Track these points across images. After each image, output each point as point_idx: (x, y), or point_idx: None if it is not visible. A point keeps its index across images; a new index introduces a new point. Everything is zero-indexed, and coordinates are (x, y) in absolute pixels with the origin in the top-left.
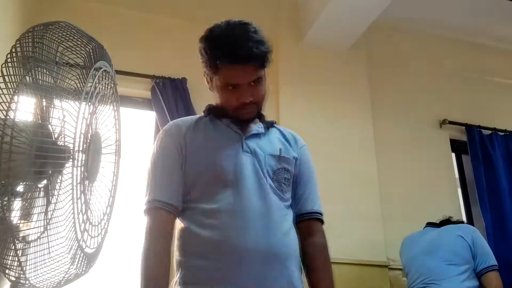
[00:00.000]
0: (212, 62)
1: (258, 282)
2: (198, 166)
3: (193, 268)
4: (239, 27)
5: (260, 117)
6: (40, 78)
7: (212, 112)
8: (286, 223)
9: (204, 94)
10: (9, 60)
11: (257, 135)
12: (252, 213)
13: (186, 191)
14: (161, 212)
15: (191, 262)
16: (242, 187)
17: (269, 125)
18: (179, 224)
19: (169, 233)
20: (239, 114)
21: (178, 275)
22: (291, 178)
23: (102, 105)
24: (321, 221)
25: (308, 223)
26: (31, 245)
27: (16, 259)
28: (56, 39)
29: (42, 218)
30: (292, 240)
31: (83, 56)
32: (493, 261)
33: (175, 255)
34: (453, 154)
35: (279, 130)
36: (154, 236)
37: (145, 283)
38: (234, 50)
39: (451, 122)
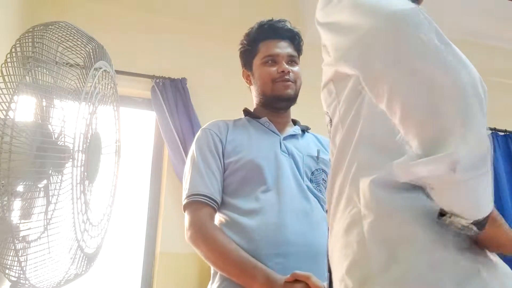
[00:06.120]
0: (252, 45)
1: None
2: (236, 163)
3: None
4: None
5: (295, 123)
6: (40, 78)
7: (249, 113)
8: (325, 225)
9: (204, 94)
10: (9, 60)
11: (294, 136)
12: (295, 214)
13: (223, 188)
14: (204, 207)
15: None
16: (283, 187)
17: (305, 130)
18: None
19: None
20: (279, 88)
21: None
22: None
23: (102, 105)
24: None
25: None
26: (31, 245)
27: (16, 259)
28: (56, 39)
29: (42, 218)
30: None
31: (83, 56)
32: None
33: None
34: None
35: (314, 136)
36: (204, 228)
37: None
38: (272, 25)
39: None
